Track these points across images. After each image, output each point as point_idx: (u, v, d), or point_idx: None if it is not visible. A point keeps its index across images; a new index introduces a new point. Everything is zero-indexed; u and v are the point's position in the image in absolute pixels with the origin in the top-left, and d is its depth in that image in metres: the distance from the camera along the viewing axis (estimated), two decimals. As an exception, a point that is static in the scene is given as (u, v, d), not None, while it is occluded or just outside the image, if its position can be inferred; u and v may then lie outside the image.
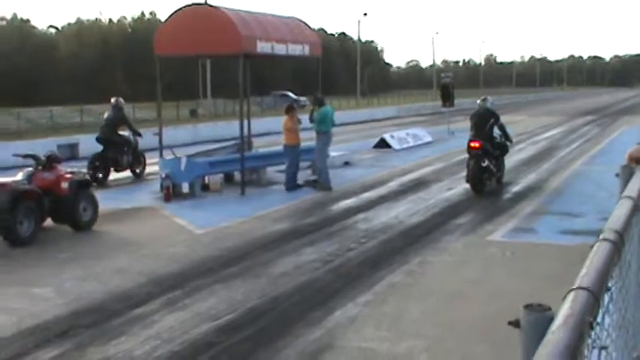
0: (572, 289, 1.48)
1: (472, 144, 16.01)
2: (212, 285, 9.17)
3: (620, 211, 2.25)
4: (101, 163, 17.88)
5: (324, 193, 16.46)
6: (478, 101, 17.30)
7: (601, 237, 1.89)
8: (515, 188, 16.97)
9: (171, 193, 15.88)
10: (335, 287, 9.02)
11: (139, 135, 19.02)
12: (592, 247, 1.87)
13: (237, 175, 17.78)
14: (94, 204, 13.09)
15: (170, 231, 12.80)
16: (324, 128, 17.07)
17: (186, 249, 11.31)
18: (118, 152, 18.43)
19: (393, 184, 17.94)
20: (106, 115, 18.98)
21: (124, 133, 18.78)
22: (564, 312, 1.35)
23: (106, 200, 14.25)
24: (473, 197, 15.68)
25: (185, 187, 16.44)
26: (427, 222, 13.17)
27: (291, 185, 16.97)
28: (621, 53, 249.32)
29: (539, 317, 1.42)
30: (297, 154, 17.15)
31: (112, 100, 19.27)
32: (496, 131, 16.67)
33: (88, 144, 26.70)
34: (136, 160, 19.04)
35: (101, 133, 18.50)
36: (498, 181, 16.88)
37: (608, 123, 41.07)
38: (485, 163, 15.97)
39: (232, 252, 10.97)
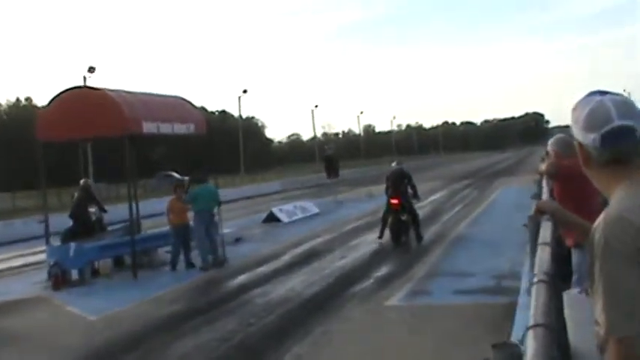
0: (530, 327, 1.59)
1: (393, 200, 18.12)
2: (112, 372, 8.91)
3: (543, 255, 2.44)
4: (72, 236, 17.32)
5: (218, 271, 16.32)
6: (393, 164, 19.64)
7: (535, 279, 2.04)
8: (407, 253, 17.34)
9: (60, 280, 15.40)
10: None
11: (105, 211, 18.79)
12: (529, 291, 2.00)
13: (127, 258, 17.43)
14: (-21, 298, 12.55)
15: (62, 320, 12.39)
16: (195, 207, 17.03)
17: (80, 337, 10.95)
18: (86, 226, 17.95)
19: (286, 257, 17.98)
20: (75, 195, 18.53)
21: (92, 209, 18.34)
22: (532, 347, 1.46)
23: (-9, 293, 13.67)
24: (366, 265, 15.92)
25: (74, 274, 15.98)
26: (324, 292, 13.24)
27: (174, 265, 16.81)
28: (490, 117, 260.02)
29: (509, 355, 1.52)
30: (182, 233, 16.99)
31: (81, 181, 19.10)
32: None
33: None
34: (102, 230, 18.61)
35: (71, 210, 18.06)
36: (418, 235, 18.48)
37: (485, 186, 42.59)
38: (405, 217, 18.03)
39: (129, 337, 10.71)
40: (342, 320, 10.91)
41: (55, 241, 16.95)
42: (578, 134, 2.10)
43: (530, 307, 1.79)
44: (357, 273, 14.99)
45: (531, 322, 1.63)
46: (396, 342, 9.47)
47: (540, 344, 1.48)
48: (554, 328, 1.65)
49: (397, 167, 19.16)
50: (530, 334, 1.55)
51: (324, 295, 12.98)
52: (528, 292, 3.27)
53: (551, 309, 1.82)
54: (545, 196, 7.87)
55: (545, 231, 3.22)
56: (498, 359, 1.55)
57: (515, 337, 5.47)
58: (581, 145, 2.10)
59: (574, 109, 2.14)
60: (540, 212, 3.80)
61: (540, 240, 3.00)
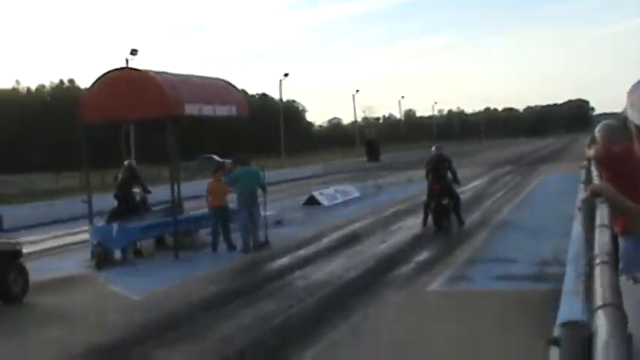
0: (600, 307, 1.53)
1: (434, 186, 18.26)
2: (153, 351, 8.99)
3: (603, 237, 2.38)
4: (117, 216, 17.53)
5: (259, 253, 16.35)
6: (433, 148, 19.56)
7: (598, 261, 1.98)
8: (448, 238, 17.22)
9: (103, 260, 15.57)
10: (279, 345, 8.93)
11: (149, 192, 18.88)
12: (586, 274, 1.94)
13: (169, 239, 17.57)
14: (25, 275, 12.70)
15: (105, 299, 12.52)
16: (237, 189, 17.02)
17: (123, 316, 11.05)
18: (131, 206, 18.14)
19: (326, 241, 17.98)
20: (120, 176, 18.71)
21: (136, 190, 18.51)
22: (606, 327, 1.40)
23: (35, 271, 13.81)
24: (407, 249, 15.85)
25: (117, 254, 16.14)
26: (365, 276, 13.21)
27: (214, 246, 16.91)
28: (533, 104, 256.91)
29: (578, 334, 1.46)
30: (220, 215, 17.03)
31: (125, 162, 19.28)
32: None
33: (12, 214, 26.24)
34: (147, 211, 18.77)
35: (116, 190, 18.26)
36: (460, 219, 18.58)
37: (527, 172, 42.17)
38: (446, 201, 18.14)
39: (171, 316, 10.79)
40: (382, 305, 10.85)
41: (98, 221, 17.12)
42: (634, 117, 2.02)
43: (597, 288, 1.72)
44: (397, 257, 14.92)
45: (600, 302, 1.56)
46: (436, 327, 9.40)
47: (613, 324, 1.42)
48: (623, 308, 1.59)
49: (437, 152, 19.16)
50: (601, 314, 1.49)
51: (364, 279, 12.94)
52: (585, 274, 3.19)
53: (616, 289, 1.75)
54: (596, 180, 7.73)
55: (603, 213, 3.15)
56: (567, 338, 1.48)
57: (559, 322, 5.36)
58: (638, 128, 2.02)
59: (630, 93, 2.06)
60: (594, 195, 3.71)
61: (599, 222, 2.93)
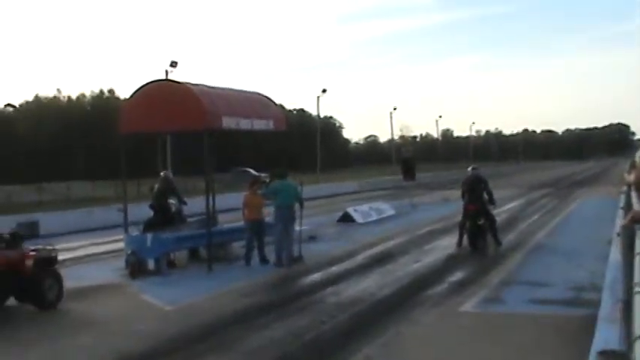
0: (638, 338, 1.49)
1: (469, 206, 18.33)
2: (184, 362, 8.98)
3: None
4: (153, 227, 17.66)
5: (292, 268, 16.32)
6: (469, 169, 19.71)
7: (638, 289, 1.93)
8: (483, 259, 17.07)
9: (136, 269, 15.67)
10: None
11: (185, 203, 19.07)
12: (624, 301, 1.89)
13: (202, 251, 17.64)
14: (59, 282, 12.82)
15: (137, 308, 12.58)
16: (275, 202, 16.96)
17: (154, 326, 11.10)
18: (166, 217, 18.29)
19: (359, 258, 17.91)
20: (156, 187, 18.93)
21: (172, 201, 18.66)
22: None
23: (70, 278, 13.93)
24: (440, 269, 15.74)
25: (151, 264, 16.24)
26: (397, 294, 13.12)
27: (248, 260, 16.92)
28: (572, 127, 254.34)
29: (619, 363, 1.42)
30: (256, 229, 17.05)
31: (162, 173, 19.65)
32: None
33: (49, 221, 26.56)
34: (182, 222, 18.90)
35: (152, 200, 18.52)
36: (497, 240, 18.60)
37: (564, 195, 41.73)
38: (482, 221, 18.17)
39: (203, 328, 10.80)
40: (414, 324, 10.77)
41: (133, 231, 17.24)
42: None
43: (636, 317, 1.68)
44: (430, 277, 14.82)
45: (639, 332, 1.52)
46: (468, 349, 9.30)
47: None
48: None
49: (474, 172, 19.21)
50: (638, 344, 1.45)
51: (397, 297, 12.86)
52: (622, 301, 3.13)
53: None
54: (636, 206, 7.62)
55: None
56: (606, 368, 1.45)
57: (596, 350, 5.28)
58: None
59: None
60: (635, 221, 3.65)
61: (638, 249, 2.85)
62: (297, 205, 17.19)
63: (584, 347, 6.14)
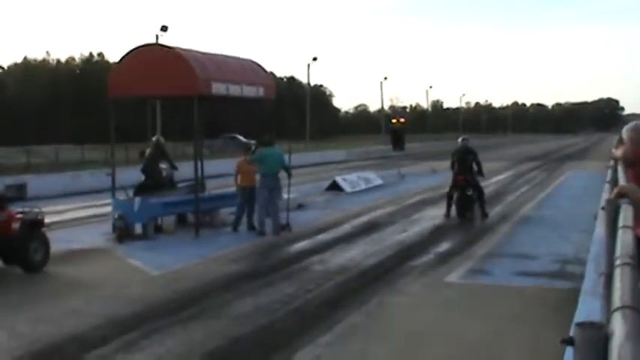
0: (618, 309, 1.51)
1: (459, 177, 18.57)
2: (170, 327, 9.02)
3: (626, 238, 2.35)
4: (144, 191, 17.63)
5: (279, 236, 16.36)
6: (459, 140, 19.70)
7: (619, 262, 1.95)
8: (469, 230, 17.16)
9: (124, 234, 15.68)
10: (296, 328, 8.95)
11: (176, 168, 19.09)
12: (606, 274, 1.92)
13: (190, 217, 17.66)
14: (46, 245, 12.82)
15: (124, 272, 12.61)
16: (260, 170, 16.89)
17: (141, 290, 11.13)
18: (157, 181, 18.27)
19: (346, 227, 17.97)
20: (147, 151, 18.98)
21: (163, 165, 18.63)
22: (622, 329, 1.38)
23: (57, 241, 13.93)
24: (427, 240, 15.81)
25: (138, 228, 16.25)
26: (383, 264, 13.19)
27: (235, 226, 16.96)
28: (562, 101, 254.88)
29: (594, 335, 1.44)
30: (248, 195, 17.06)
31: (153, 138, 19.46)
32: None
33: (37, 184, 26.49)
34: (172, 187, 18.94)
35: (144, 165, 18.56)
36: (484, 212, 18.81)
37: (553, 168, 41.91)
38: (470, 192, 18.52)
39: (189, 293, 10.84)
40: (399, 293, 10.84)
41: (121, 195, 17.23)
42: None
43: (615, 290, 1.70)
44: (417, 247, 14.89)
45: (618, 304, 1.54)
46: (452, 319, 9.38)
47: (630, 326, 1.40)
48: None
49: (463, 143, 19.31)
50: (618, 316, 1.47)
51: (383, 266, 12.93)
52: (603, 274, 3.16)
53: (636, 292, 1.73)
54: (622, 180, 7.66)
55: (627, 214, 3.11)
56: (582, 339, 1.46)
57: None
58: None
59: None
60: (621, 195, 3.68)
61: (622, 223, 2.90)
62: (285, 174, 17.20)
63: (568, 319, 6.22)
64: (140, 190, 17.48)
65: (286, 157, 17.44)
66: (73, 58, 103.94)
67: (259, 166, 16.89)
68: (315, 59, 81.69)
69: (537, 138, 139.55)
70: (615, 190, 3.93)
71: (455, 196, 18.65)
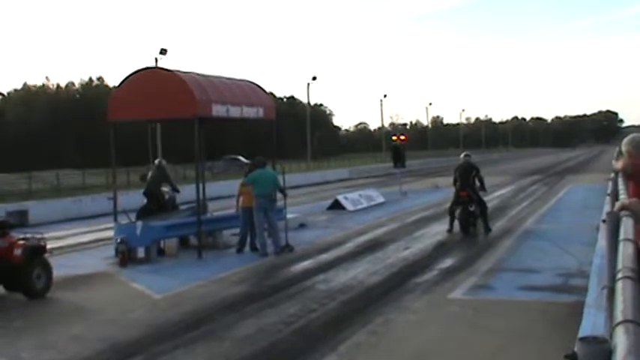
0: (619, 323, 1.50)
1: (461, 193, 18.65)
2: (173, 350, 8.99)
3: (627, 251, 2.35)
4: (147, 214, 17.63)
5: (281, 256, 16.33)
6: (462, 156, 20.08)
7: (621, 275, 1.95)
8: (472, 245, 17.13)
9: (126, 258, 15.66)
10: (300, 349, 8.92)
11: (178, 191, 19.13)
12: (607, 287, 1.91)
13: (192, 239, 17.64)
14: (48, 271, 12.80)
15: (127, 296, 12.58)
16: (254, 191, 16.78)
17: (144, 314, 11.11)
18: (160, 204, 18.26)
19: (349, 245, 17.94)
20: (150, 174, 19.04)
21: (165, 189, 18.75)
22: (624, 343, 1.37)
23: (59, 266, 13.91)
24: (430, 256, 15.78)
25: (141, 252, 16.22)
26: (387, 282, 13.15)
27: (240, 248, 16.91)
28: (562, 114, 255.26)
29: (597, 350, 1.44)
30: (250, 216, 17.00)
31: (156, 160, 19.71)
32: None
33: (38, 210, 26.48)
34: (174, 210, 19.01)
35: (146, 188, 18.62)
36: (487, 227, 18.88)
37: (553, 182, 41.87)
38: (472, 208, 18.60)
39: (192, 316, 10.81)
40: (403, 311, 10.81)
41: (124, 219, 17.22)
42: None
43: (617, 304, 1.70)
44: (420, 264, 14.85)
45: (620, 318, 1.53)
46: (457, 336, 9.34)
47: (633, 341, 1.40)
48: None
49: (465, 159, 19.44)
50: (621, 330, 1.47)
51: (386, 284, 12.89)
52: (606, 288, 3.16)
53: (638, 306, 1.72)
54: (622, 192, 7.66)
55: (627, 227, 3.11)
56: (585, 354, 1.46)
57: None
58: None
59: None
60: (624, 209, 3.68)
61: (622, 236, 2.89)
62: (280, 195, 17.20)
63: (572, 334, 6.19)
64: (143, 213, 17.48)
65: (280, 177, 17.43)
66: (72, 83, 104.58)
67: (253, 188, 16.83)
68: (314, 78, 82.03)
69: (537, 152, 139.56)
70: (618, 205, 3.94)
71: (457, 211, 18.73)
